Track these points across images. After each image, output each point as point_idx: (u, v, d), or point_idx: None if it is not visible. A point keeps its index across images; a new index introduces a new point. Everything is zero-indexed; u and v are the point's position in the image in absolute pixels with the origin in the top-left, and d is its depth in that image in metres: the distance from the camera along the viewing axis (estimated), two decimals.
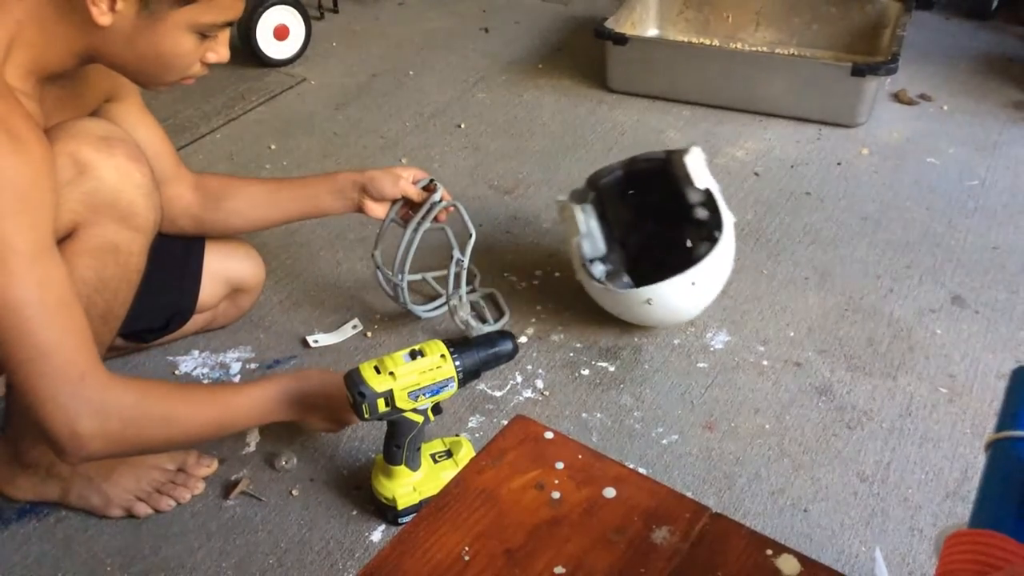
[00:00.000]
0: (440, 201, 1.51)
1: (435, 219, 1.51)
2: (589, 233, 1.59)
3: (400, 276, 1.52)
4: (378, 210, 1.50)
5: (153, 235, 1.18)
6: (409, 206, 1.53)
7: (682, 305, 1.56)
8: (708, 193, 1.58)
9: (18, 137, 0.96)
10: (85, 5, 1.00)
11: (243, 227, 1.52)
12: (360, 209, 1.50)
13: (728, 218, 1.56)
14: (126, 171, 1.12)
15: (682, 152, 1.60)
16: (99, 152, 1.10)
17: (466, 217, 1.55)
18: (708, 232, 1.56)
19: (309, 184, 1.51)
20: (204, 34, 1.08)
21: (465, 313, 1.55)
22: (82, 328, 1.03)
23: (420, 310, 1.61)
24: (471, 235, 1.55)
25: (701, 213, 1.59)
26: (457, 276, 1.54)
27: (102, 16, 1.01)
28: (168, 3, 1.02)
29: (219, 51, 1.12)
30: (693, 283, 1.51)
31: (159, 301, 1.42)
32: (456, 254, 1.54)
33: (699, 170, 1.58)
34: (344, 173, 1.50)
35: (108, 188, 1.10)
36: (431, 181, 1.52)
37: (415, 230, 1.50)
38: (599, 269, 1.57)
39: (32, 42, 1.02)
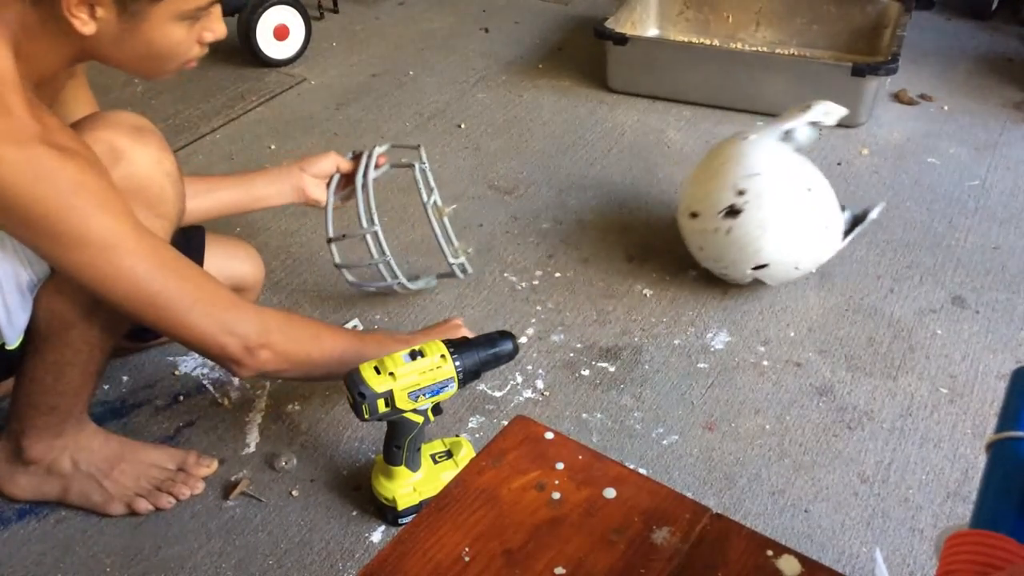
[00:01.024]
0: (374, 148, 1.55)
1: (376, 166, 1.53)
2: (804, 126, 1.66)
3: (371, 224, 1.50)
4: (318, 190, 1.52)
5: (177, 225, 1.20)
6: (347, 180, 1.56)
7: (806, 223, 1.60)
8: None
9: (67, 148, 1.01)
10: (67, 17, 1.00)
11: None
12: (300, 197, 1.51)
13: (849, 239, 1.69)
14: (157, 159, 1.14)
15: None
16: (134, 141, 1.12)
17: (403, 146, 1.62)
18: None
19: (245, 175, 1.52)
20: (194, 18, 1.08)
21: (449, 208, 1.58)
22: (206, 273, 1.16)
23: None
24: (417, 146, 1.59)
25: None
26: (425, 179, 1.56)
27: (84, 26, 1.01)
28: (145, 1, 1.02)
29: (214, 28, 1.12)
30: (826, 227, 1.59)
31: None
32: (416, 164, 1.55)
33: (875, 213, 1.72)
34: (279, 166, 1.53)
35: (141, 175, 1.12)
36: (356, 152, 1.57)
37: (364, 175, 1.52)
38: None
39: (27, 54, 1.03)
